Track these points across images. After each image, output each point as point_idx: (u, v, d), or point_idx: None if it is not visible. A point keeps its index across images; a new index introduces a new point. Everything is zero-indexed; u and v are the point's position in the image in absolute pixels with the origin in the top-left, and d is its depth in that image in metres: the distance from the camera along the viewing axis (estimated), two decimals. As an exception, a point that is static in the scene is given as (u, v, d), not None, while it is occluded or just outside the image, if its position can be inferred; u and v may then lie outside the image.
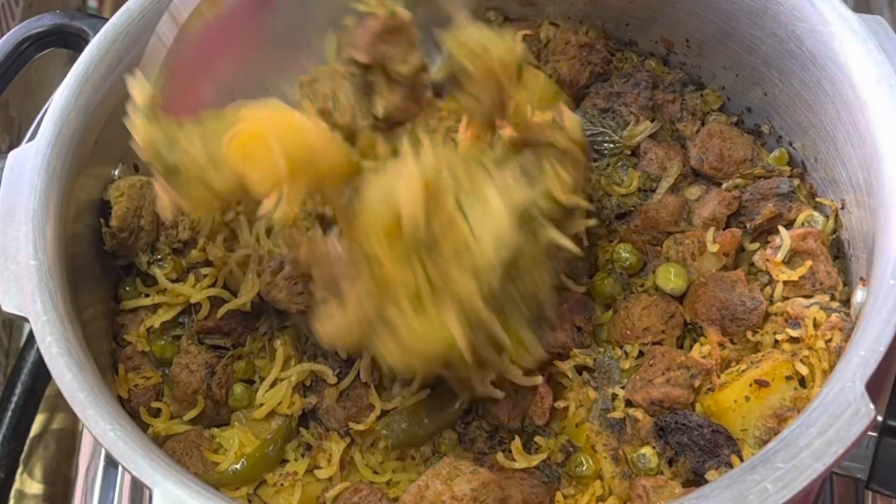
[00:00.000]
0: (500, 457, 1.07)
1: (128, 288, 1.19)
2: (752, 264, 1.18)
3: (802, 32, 1.12)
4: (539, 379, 1.06)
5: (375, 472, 1.10)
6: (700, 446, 1.03)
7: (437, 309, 0.90)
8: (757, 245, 1.18)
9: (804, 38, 1.12)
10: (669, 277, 1.13)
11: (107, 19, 1.18)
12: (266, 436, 1.12)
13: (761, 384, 1.06)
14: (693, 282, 1.15)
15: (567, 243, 0.96)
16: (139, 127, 0.93)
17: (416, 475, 1.05)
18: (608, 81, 1.30)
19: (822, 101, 1.12)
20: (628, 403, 1.09)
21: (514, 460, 1.07)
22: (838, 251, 1.17)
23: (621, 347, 1.13)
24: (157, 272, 1.18)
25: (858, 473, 0.99)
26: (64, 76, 1.13)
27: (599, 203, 1.22)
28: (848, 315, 1.08)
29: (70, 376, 0.96)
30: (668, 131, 1.25)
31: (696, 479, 1.03)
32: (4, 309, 1.02)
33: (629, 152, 1.24)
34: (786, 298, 1.13)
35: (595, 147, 1.23)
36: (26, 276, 1.02)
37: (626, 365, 1.12)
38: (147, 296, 1.19)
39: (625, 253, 1.18)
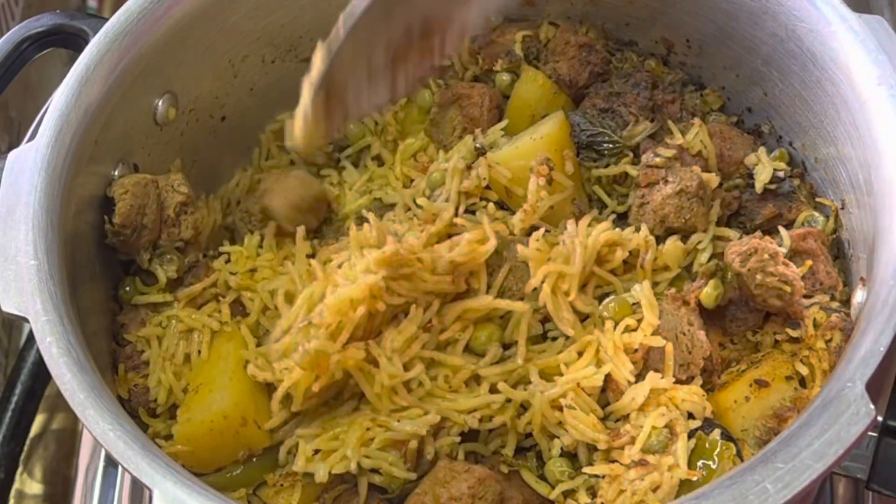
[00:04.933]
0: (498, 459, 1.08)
1: (128, 287, 1.19)
2: (753, 264, 1.18)
3: (802, 32, 1.12)
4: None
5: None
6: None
7: None
8: (757, 245, 1.18)
9: (804, 38, 1.12)
10: (712, 295, 1.11)
11: (107, 19, 1.18)
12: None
13: (761, 384, 1.06)
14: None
15: None
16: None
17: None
18: (608, 81, 1.30)
19: (822, 101, 1.12)
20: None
21: (511, 464, 1.07)
22: (838, 251, 1.17)
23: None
24: (158, 270, 1.18)
25: (858, 473, 0.99)
26: (64, 76, 1.13)
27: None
28: (848, 315, 1.08)
29: (70, 376, 0.96)
30: (668, 131, 1.25)
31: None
32: (4, 309, 1.02)
33: (629, 152, 1.24)
34: (786, 298, 1.14)
35: (595, 147, 1.23)
36: (26, 276, 1.02)
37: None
38: (147, 294, 1.19)
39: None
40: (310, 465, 1.04)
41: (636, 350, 1.07)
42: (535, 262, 1.09)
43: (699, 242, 1.16)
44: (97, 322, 1.15)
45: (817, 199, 1.19)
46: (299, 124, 0.96)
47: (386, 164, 1.33)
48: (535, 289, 1.09)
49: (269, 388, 1.11)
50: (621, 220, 1.22)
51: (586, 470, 1.03)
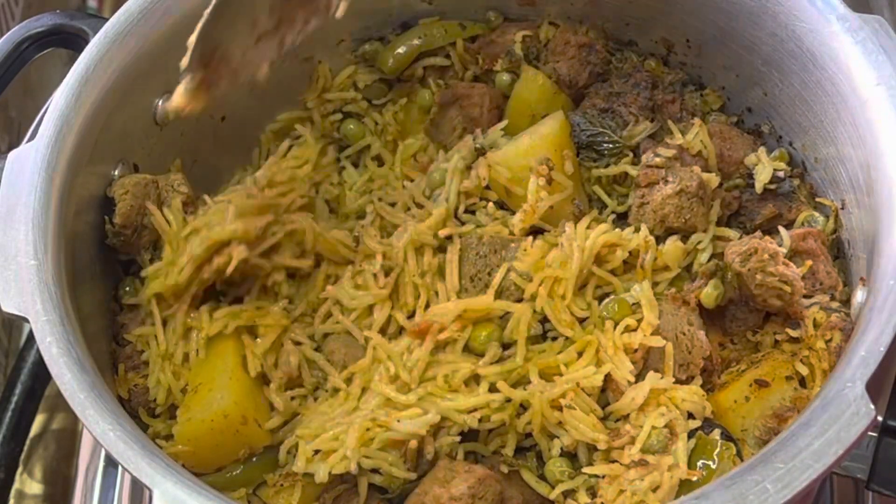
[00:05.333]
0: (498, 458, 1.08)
1: (128, 287, 1.19)
2: (753, 264, 1.18)
3: (802, 32, 1.12)
4: None
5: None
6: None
7: None
8: (757, 245, 1.18)
9: (804, 38, 1.12)
10: (712, 295, 1.12)
11: (107, 19, 1.18)
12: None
13: (761, 384, 1.06)
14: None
15: None
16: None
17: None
18: (608, 82, 1.30)
19: (822, 101, 1.12)
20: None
21: (511, 463, 1.07)
22: (838, 251, 1.17)
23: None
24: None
25: (858, 473, 0.99)
26: (64, 76, 1.13)
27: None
28: (848, 315, 1.08)
29: (70, 376, 0.96)
30: (668, 131, 1.25)
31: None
32: (4, 309, 1.02)
33: (629, 152, 1.24)
34: (786, 298, 1.14)
35: (595, 147, 1.23)
36: (26, 276, 1.02)
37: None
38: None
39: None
40: (310, 465, 1.05)
41: (636, 350, 1.07)
42: (531, 268, 1.10)
43: (699, 242, 1.16)
44: (97, 322, 1.15)
45: (817, 199, 1.19)
46: (177, 93, 1.00)
47: (386, 164, 1.33)
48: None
49: (266, 385, 1.12)
50: (621, 220, 1.22)
51: (586, 470, 1.03)
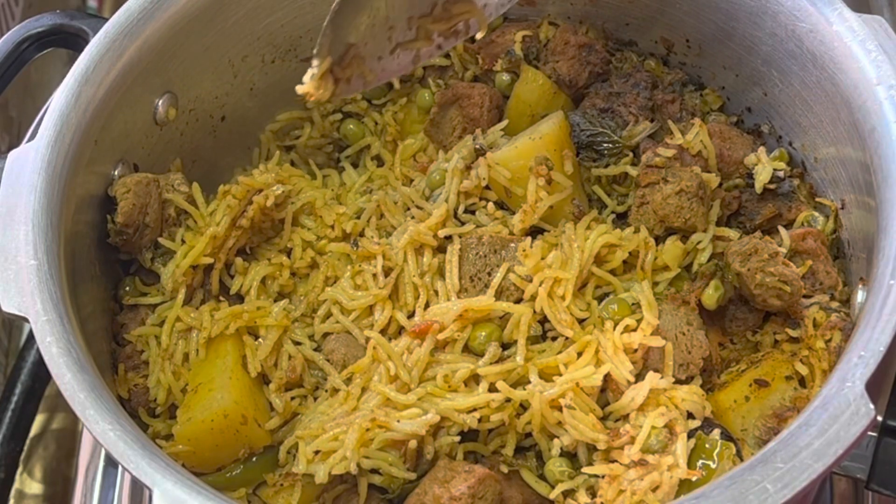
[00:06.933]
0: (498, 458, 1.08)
1: (127, 287, 1.19)
2: (752, 264, 1.18)
3: (802, 32, 1.12)
4: None
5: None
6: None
7: None
8: (757, 245, 1.18)
9: (804, 38, 1.12)
10: (714, 297, 1.12)
11: (107, 19, 1.18)
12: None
13: (761, 384, 1.06)
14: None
15: None
16: None
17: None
18: (607, 81, 1.30)
19: (822, 101, 1.13)
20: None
21: (511, 463, 1.07)
22: (838, 251, 1.17)
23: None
24: (160, 269, 1.18)
25: (858, 473, 0.99)
26: (64, 76, 1.13)
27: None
28: (848, 315, 1.08)
29: (70, 376, 0.96)
30: (668, 131, 1.25)
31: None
32: (4, 309, 1.02)
33: (629, 152, 1.24)
34: (786, 298, 1.14)
35: (594, 147, 1.23)
36: (26, 276, 1.02)
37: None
38: (147, 294, 1.19)
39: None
40: (310, 465, 1.05)
41: (636, 350, 1.07)
42: (531, 269, 1.10)
43: (699, 242, 1.16)
44: (97, 322, 1.15)
45: (817, 199, 1.19)
46: (306, 77, 0.99)
47: (386, 164, 1.33)
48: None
49: (266, 385, 1.13)
50: (621, 220, 1.22)
51: (586, 470, 1.03)
